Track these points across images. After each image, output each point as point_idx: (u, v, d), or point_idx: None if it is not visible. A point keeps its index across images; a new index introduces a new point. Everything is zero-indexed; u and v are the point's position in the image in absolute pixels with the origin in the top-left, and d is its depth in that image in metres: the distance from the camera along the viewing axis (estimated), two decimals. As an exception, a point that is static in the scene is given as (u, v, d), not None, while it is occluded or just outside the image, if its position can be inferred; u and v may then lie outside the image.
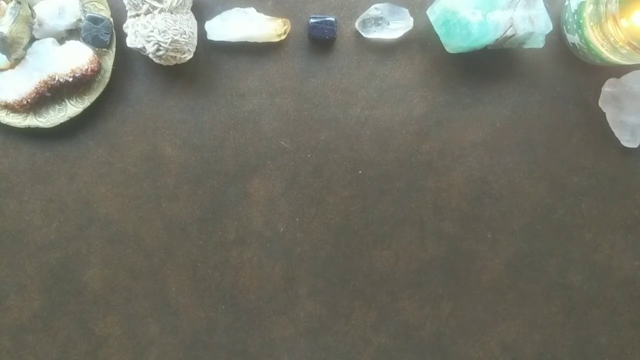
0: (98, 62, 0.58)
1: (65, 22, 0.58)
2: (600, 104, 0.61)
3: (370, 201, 0.61)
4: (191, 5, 0.58)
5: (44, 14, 0.57)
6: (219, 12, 0.60)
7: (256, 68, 0.61)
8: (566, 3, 0.60)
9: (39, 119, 0.59)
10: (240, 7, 0.60)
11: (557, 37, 0.61)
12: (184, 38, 0.56)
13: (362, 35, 0.60)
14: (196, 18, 0.58)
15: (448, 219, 0.62)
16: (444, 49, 0.59)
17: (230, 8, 0.59)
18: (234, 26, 0.59)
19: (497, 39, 0.56)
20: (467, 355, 0.61)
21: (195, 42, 0.58)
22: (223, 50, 0.61)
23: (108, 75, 0.59)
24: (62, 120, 0.59)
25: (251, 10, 0.59)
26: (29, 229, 0.61)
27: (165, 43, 0.55)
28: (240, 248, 0.61)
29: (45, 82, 0.57)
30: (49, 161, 0.61)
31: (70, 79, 0.57)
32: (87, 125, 0.61)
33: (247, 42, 0.60)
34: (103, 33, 0.58)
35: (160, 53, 0.56)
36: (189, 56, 0.58)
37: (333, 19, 0.60)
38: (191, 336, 0.62)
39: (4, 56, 0.57)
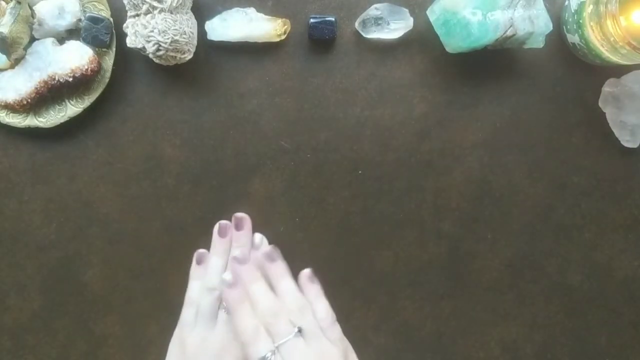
0: (98, 62, 0.58)
1: (65, 22, 0.58)
2: (600, 104, 0.61)
3: (370, 201, 0.61)
4: (191, 5, 0.58)
5: (44, 14, 0.57)
6: (219, 12, 0.60)
7: (256, 68, 0.61)
8: (566, 3, 0.60)
9: (39, 119, 0.59)
10: (240, 7, 0.60)
11: (557, 37, 0.61)
12: (184, 38, 0.56)
13: (362, 35, 0.60)
14: (196, 18, 0.58)
15: (448, 219, 0.62)
16: (444, 49, 0.59)
17: (230, 8, 0.59)
18: (234, 26, 0.59)
19: (497, 39, 0.56)
20: (467, 355, 0.61)
21: (195, 42, 0.58)
22: (223, 50, 0.60)
23: (108, 75, 0.59)
24: (62, 120, 0.59)
25: (251, 10, 0.59)
26: (29, 229, 0.61)
27: (165, 43, 0.55)
28: (240, 248, 0.61)
29: (45, 82, 0.57)
30: (49, 161, 0.61)
31: (70, 79, 0.57)
32: (87, 125, 0.61)
33: (247, 42, 0.60)
34: (103, 33, 0.58)
35: (160, 53, 0.56)
36: (189, 56, 0.58)
37: (333, 19, 0.60)
38: (191, 336, 0.62)
39: (4, 56, 0.57)
